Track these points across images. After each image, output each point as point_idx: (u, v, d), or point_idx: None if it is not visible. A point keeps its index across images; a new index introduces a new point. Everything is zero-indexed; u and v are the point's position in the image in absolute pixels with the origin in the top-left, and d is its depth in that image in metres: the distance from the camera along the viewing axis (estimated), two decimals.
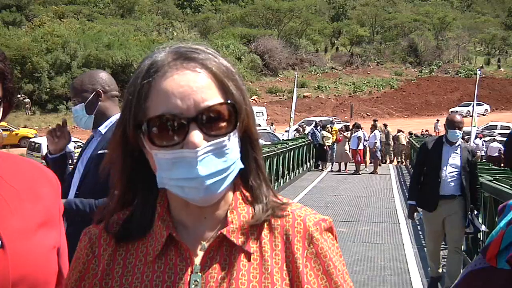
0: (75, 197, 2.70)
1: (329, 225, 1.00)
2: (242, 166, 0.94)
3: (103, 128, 2.80)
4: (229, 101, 0.91)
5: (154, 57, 0.94)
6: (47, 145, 2.98)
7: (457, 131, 5.52)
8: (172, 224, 0.96)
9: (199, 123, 0.88)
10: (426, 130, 30.66)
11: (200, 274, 0.92)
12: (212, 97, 0.90)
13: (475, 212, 5.60)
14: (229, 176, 0.91)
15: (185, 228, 0.96)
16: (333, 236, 1.01)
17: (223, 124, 0.90)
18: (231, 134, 0.91)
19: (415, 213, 6.00)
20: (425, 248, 8.10)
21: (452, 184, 5.58)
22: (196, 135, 0.88)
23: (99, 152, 2.70)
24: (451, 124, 5.54)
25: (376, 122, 24.09)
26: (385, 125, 26.02)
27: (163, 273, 0.93)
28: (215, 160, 0.89)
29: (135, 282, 0.94)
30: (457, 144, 5.63)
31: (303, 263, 0.95)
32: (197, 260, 0.94)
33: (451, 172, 5.57)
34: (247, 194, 0.98)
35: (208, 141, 0.89)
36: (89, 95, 2.76)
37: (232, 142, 0.91)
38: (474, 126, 18.55)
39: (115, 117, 2.80)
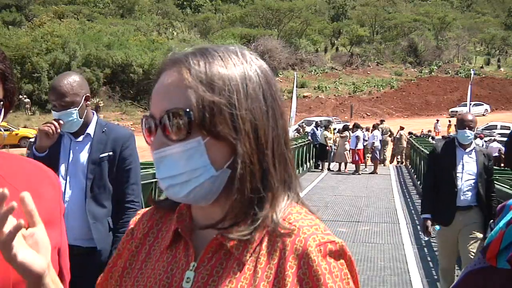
0: (87, 201, 2.79)
1: (337, 248, 0.92)
2: (213, 174, 0.91)
3: (91, 131, 2.87)
4: (187, 109, 0.89)
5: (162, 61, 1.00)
6: (36, 142, 2.79)
7: (467, 131, 4.84)
8: (188, 220, 0.99)
9: (162, 126, 0.91)
10: (429, 131, 30.53)
11: (194, 272, 0.94)
12: (177, 102, 0.90)
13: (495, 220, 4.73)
14: (190, 182, 0.91)
15: (199, 226, 0.99)
16: (345, 261, 0.93)
17: (182, 130, 0.90)
18: (193, 140, 0.90)
19: (431, 227, 5.06)
20: (428, 257, 8.09)
21: (469, 193, 4.93)
22: (157, 137, 0.91)
23: (102, 155, 2.81)
24: (461, 124, 4.89)
25: (383, 121, 24.16)
26: (382, 121, 26.16)
27: (168, 265, 0.97)
28: (171, 164, 0.91)
29: (148, 268, 1.00)
30: (471, 148, 4.96)
31: (292, 282, 0.90)
32: (197, 258, 0.95)
33: (467, 180, 4.91)
34: (252, 205, 0.94)
35: (169, 145, 0.91)
36: (80, 99, 2.79)
37: (193, 149, 0.90)
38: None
39: (94, 119, 2.91)
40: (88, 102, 2.85)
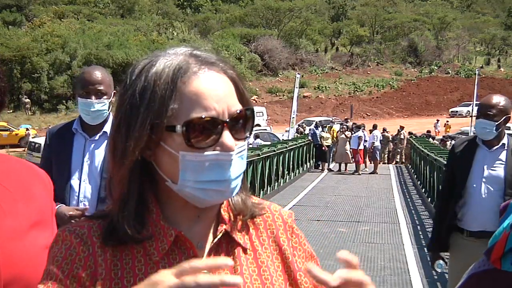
0: (100, 202, 2.69)
1: (293, 218, 1.09)
2: (244, 170, 0.99)
3: (107, 129, 2.78)
4: (250, 107, 0.96)
5: (172, 57, 0.93)
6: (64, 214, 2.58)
7: (483, 121, 3.38)
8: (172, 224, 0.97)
9: (230, 127, 0.91)
10: (428, 131, 30.30)
11: (207, 272, 0.93)
12: (236, 102, 0.94)
13: None
14: (242, 179, 0.96)
15: (179, 227, 0.96)
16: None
17: (244, 129, 0.95)
18: (248, 138, 0.97)
19: (436, 262, 3.63)
20: (428, 257, 8.08)
21: (489, 213, 3.26)
22: (230, 138, 0.91)
23: None
24: (478, 111, 3.48)
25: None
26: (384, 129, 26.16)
27: None
28: (239, 163, 0.93)
29: (139, 284, 0.91)
30: (499, 145, 3.44)
31: (291, 252, 1.03)
32: (202, 258, 0.94)
33: (488, 193, 3.37)
34: (243, 196, 1.03)
35: (236, 145, 0.92)
36: (111, 93, 2.78)
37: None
38: (473, 127, 18.57)
39: (110, 118, 2.81)
40: (113, 100, 2.79)
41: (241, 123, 0.94)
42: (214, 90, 0.91)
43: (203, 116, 0.89)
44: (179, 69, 0.91)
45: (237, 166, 0.93)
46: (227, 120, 0.91)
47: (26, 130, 29.56)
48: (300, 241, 1.06)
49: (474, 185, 3.40)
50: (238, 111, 0.93)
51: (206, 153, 0.90)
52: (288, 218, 1.06)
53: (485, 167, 3.41)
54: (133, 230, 0.93)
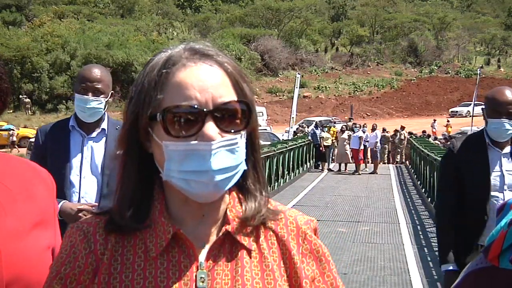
0: (102, 198, 2.69)
1: (315, 226, 1.05)
2: (245, 167, 0.95)
3: (105, 126, 2.81)
4: (244, 100, 0.94)
5: (170, 52, 0.96)
6: (69, 212, 2.58)
7: (505, 121, 2.80)
8: (173, 221, 0.96)
9: (215, 118, 0.90)
10: (423, 131, 30.08)
11: (206, 271, 0.94)
12: (227, 94, 0.92)
13: None
14: (236, 175, 0.93)
15: (183, 225, 0.96)
16: (317, 237, 1.06)
17: (237, 121, 0.92)
18: (243, 133, 0.93)
19: None
20: (428, 257, 8.10)
21: None
22: (212, 128, 0.89)
23: (119, 152, 2.72)
24: (493, 108, 2.84)
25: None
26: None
27: (167, 270, 0.93)
28: (226, 156, 0.90)
29: (137, 279, 0.93)
30: (510, 145, 2.92)
31: (300, 259, 1.00)
32: (201, 257, 0.95)
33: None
34: (243, 195, 1.00)
35: (222, 137, 0.90)
36: (109, 92, 2.79)
37: (242, 141, 0.93)
38: (474, 127, 18.57)
39: (106, 116, 2.85)
40: (110, 100, 2.82)
41: (231, 115, 0.92)
42: (198, 81, 0.90)
43: (181, 105, 0.89)
44: (168, 61, 0.93)
45: (222, 159, 0.89)
46: (210, 110, 0.89)
47: (10, 130, 29.55)
48: (312, 249, 1.02)
49: (495, 194, 2.84)
50: (226, 102, 0.91)
51: (186, 142, 0.89)
52: (304, 225, 1.03)
53: (506, 172, 2.87)
54: (128, 219, 0.94)
